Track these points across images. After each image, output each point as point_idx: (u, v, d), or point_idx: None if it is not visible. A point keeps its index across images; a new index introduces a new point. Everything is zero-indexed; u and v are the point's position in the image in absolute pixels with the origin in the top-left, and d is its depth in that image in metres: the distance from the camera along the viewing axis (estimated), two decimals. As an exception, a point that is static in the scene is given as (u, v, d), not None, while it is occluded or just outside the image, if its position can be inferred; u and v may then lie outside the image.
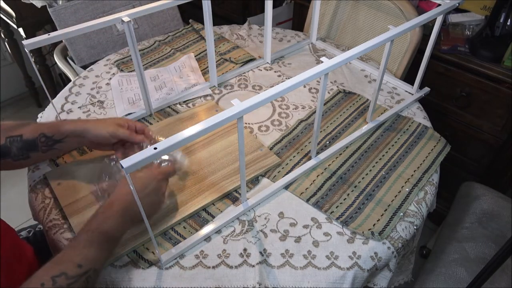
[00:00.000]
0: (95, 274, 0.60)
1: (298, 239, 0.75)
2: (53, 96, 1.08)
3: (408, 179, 0.86)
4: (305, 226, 0.77)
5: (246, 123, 1.00)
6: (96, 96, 1.08)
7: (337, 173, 0.87)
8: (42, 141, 0.76)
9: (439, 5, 0.97)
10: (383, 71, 0.90)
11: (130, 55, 1.18)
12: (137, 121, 0.93)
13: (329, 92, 1.11)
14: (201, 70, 1.18)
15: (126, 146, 0.81)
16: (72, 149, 0.88)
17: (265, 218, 0.78)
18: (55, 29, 1.14)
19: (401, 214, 0.79)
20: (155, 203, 0.70)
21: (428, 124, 1.03)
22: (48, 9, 1.28)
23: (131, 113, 1.01)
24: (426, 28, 1.24)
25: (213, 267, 0.70)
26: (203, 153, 0.90)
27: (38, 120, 1.01)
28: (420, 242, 1.42)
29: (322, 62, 0.74)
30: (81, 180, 0.82)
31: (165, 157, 0.79)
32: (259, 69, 1.20)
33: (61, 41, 1.46)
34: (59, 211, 0.78)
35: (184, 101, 1.07)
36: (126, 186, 0.66)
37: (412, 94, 1.12)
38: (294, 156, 0.91)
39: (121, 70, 1.18)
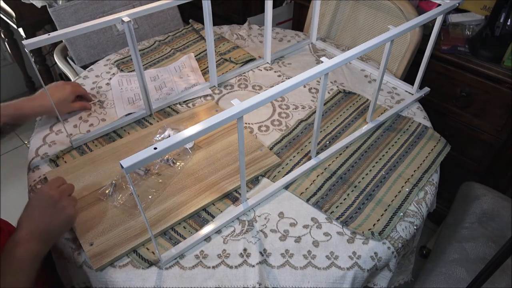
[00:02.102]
0: None
1: (298, 239, 0.75)
2: (53, 96, 1.07)
3: (408, 179, 0.86)
4: (305, 226, 0.77)
5: (246, 123, 1.00)
6: (96, 96, 1.08)
7: (337, 173, 0.87)
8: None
9: (439, 5, 0.97)
10: (383, 71, 0.90)
11: (130, 55, 1.19)
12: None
13: (329, 92, 1.11)
14: (201, 70, 1.18)
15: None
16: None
17: (265, 218, 0.78)
18: (55, 29, 1.13)
19: (401, 214, 0.79)
20: (62, 220, 0.70)
21: (428, 124, 1.03)
22: (48, 9, 1.28)
23: (131, 113, 1.01)
24: (426, 28, 1.24)
25: (213, 267, 0.70)
26: (203, 153, 0.90)
27: (38, 121, 1.01)
28: (420, 242, 1.42)
29: (322, 62, 0.74)
30: (81, 180, 0.83)
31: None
32: (259, 69, 1.20)
33: (61, 41, 1.46)
34: (59, 211, 0.78)
35: (184, 101, 1.07)
36: (27, 211, 0.69)
37: (412, 94, 1.12)
38: (294, 156, 0.91)
39: (121, 70, 1.18)
